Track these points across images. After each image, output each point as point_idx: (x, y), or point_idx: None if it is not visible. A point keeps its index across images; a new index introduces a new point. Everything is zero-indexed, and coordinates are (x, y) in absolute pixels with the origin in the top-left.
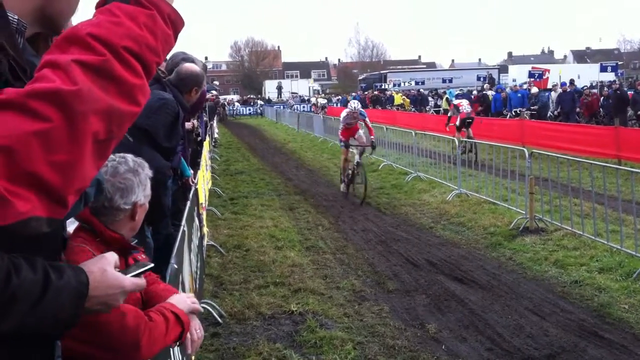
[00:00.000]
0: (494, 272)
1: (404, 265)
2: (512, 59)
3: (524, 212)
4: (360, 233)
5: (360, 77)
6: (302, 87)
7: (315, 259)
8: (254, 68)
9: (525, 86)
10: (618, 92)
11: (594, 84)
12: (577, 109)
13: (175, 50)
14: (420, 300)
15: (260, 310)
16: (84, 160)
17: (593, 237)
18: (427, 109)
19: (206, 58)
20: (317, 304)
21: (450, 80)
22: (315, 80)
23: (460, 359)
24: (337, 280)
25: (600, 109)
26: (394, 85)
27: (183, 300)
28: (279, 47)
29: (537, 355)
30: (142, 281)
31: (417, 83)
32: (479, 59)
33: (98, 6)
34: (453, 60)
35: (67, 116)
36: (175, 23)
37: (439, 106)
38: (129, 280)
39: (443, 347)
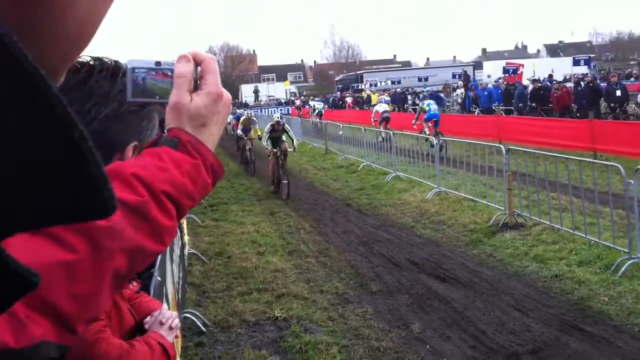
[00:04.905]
0: (475, 269)
1: (386, 265)
2: (486, 55)
3: (502, 208)
4: (342, 235)
5: (337, 78)
6: (279, 90)
7: (297, 263)
8: (229, 73)
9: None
10: (591, 85)
11: (567, 77)
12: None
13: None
14: (403, 300)
15: (244, 317)
16: (102, 294)
17: (571, 231)
18: (406, 108)
19: None
20: (301, 309)
21: (426, 79)
22: (291, 82)
23: (445, 359)
24: (320, 284)
25: (574, 104)
26: (370, 85)
27: (166, 329)
28: (254, 51)
29: (521, 351)
30: None
31: (393, 82)
32: (454, 57)
33: (149, 146)
34: (428, 59)
35: (94, 250)
36: (216, 173)
37: (417, 104)
38: None
39: (427, 346)
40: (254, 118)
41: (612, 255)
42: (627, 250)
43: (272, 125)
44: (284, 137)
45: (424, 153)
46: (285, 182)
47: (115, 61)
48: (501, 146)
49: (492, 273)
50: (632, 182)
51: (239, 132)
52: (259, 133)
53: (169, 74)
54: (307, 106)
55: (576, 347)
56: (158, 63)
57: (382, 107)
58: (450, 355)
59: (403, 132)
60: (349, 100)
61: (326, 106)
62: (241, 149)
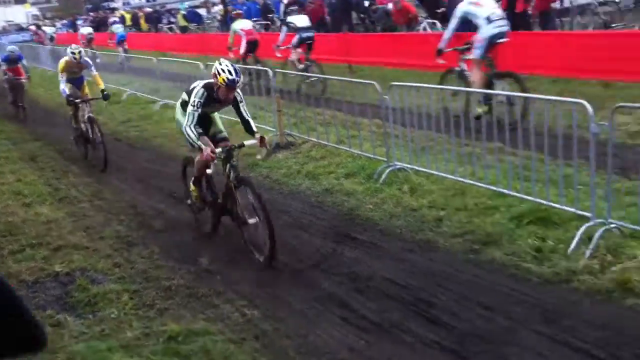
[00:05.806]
0: None
1: (167, 201)
2: None
3: (274, 130)
4: (115, 174)
5: None
6: (19, 13)
7: (71, 210)
8: None
9: None
10: None
11: None
12: None
13: None
14: (188, 235)
15: (20, 277)
16: None
17: (337, 145)
18: (160, 27)
19: None
20: (83, 260)
21: None
22: (33, 4)
23: (235, 285)
24: (99, 230)
25: (328, 16)
26: (124, 4)
27: None
28: None
29: (303, 267)
30: None
31: (148, 0)
32: None
33: None
34: None
35: None
36: None
37: (172, 23)
38: None
39: (218, 277)
40: (87, 59)
41: (373, 165)
42: (385, 159)
43: (205, 87)
44: (217, 119)
45: (188, 75)
46: (255, 221)
47: None
48: (268, 70)
49: (270, 195)
50: (386, 97)
51: (63, 87)
52: (102, 86)
53: None
54: (40, 31)
55: (351, 255)
56: None
57: (86, 30)
58: (240, 281)
59: (166, 57)
60: (79, 22)
61: (67, 30)
62: (71, 120)
